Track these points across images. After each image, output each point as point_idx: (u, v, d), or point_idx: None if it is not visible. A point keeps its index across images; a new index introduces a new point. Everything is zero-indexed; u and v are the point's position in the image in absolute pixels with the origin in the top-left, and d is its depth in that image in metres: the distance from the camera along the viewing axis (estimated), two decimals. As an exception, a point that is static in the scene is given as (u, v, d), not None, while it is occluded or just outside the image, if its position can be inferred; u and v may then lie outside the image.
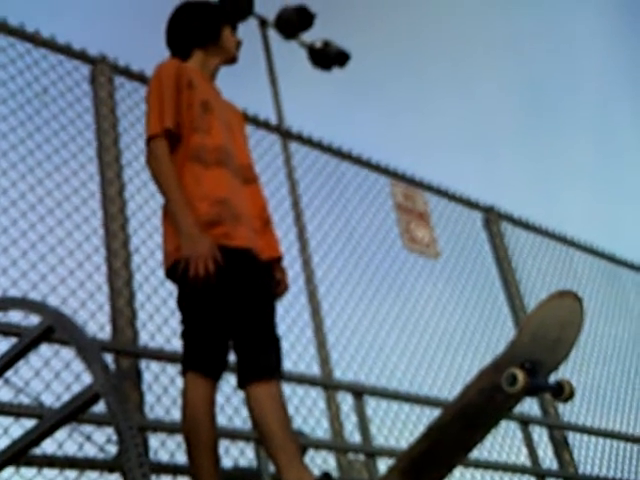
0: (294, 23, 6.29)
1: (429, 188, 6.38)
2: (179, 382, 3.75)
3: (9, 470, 2.94)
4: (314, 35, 6.53)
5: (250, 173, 2.93)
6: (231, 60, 3.02)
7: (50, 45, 4.32)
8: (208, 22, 2.96)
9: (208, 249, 2.51)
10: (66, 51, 4.37)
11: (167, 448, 3.60)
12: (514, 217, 6.94)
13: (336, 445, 4.38)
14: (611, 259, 7.71)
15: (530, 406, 5.67)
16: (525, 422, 5.28)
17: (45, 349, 3.35)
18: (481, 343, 5.83)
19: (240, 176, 2.82)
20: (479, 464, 4.99)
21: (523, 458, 5.26)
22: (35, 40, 4.26)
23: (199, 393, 2.58)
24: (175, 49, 2.98)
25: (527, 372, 2.13)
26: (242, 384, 2.52)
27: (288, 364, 4.28)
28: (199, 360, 2.63)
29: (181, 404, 2.62)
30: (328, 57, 6.48)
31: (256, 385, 2.48)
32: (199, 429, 2.54)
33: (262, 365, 2.51)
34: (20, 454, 2.50)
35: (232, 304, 2.57)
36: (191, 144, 2.72)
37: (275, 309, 2.69)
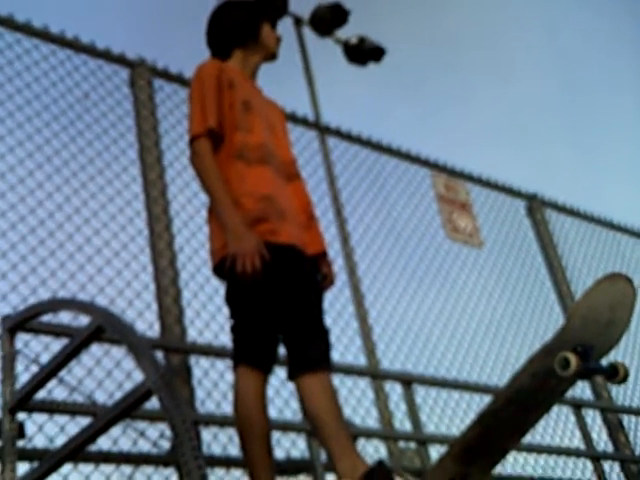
0: (329, 20, 6.29)
1: (470, 178, 6.35)
2: (228, 377, 3.80)
3: (67, 466, 2.99)
4: (350, 31, 6.53)
5: (293, 169, 2.93)
6: (271, 57, 3.02)
7: (89, 50, 4.39)
8: (247, 20, 2.97)
9: (254, 246, 2.52)
10: (105, 56, 4.44)
11: (219, 441, 3.64)
12: (558, 204, 6.87)
13: (387, 434, 4.38)
14: (659, 241, 7.59)
15: (582, 390, 5.61)
16: (578, 405, 5.21)
17: (96, 349, 3.41)
18: (529, 330, 5.79)
19: (283, 173, 2.83)
20: (533, 448, 4.95)
21: (577, 442, 5.20)
22: (75, 46, 4.33)
23: (250, 386, 2.60)
24: (215, 49, 2.99)
25: (579, 355, 2.10)
26: (292, 376, 2.53)
27: (335, 356, 4.29)
28: (249, 354, 2.64)
29: (233, 397, 2.64)
30: (364, 52, 6.46)
31: (306, 376, 2.48)
32: (251, 421, 2.56)
33: (311, 356, 2.51)
34: (77, 451, 2.54)
35: (280, 298, 2.58)
36: (234, 143, 2.73)
37: (322, 302, 2.70)
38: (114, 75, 4.45)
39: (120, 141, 4.27)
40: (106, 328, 2.54)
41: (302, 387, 2.49)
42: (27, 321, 3.09)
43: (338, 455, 2.36)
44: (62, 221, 3.78)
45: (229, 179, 2.68)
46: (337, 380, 4.16)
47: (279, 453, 3.77)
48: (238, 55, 2.95)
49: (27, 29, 4.16)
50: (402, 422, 4.46)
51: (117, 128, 4.30)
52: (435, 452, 4.21)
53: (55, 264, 3.62)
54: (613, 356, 2.33)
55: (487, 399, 4.79)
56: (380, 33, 6.58)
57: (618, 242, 7.17)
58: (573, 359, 2.08)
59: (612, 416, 5.67)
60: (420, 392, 4.65)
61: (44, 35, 4.22)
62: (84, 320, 2.79)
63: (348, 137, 5.68)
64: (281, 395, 3.97)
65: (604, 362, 2.22)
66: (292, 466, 3.79)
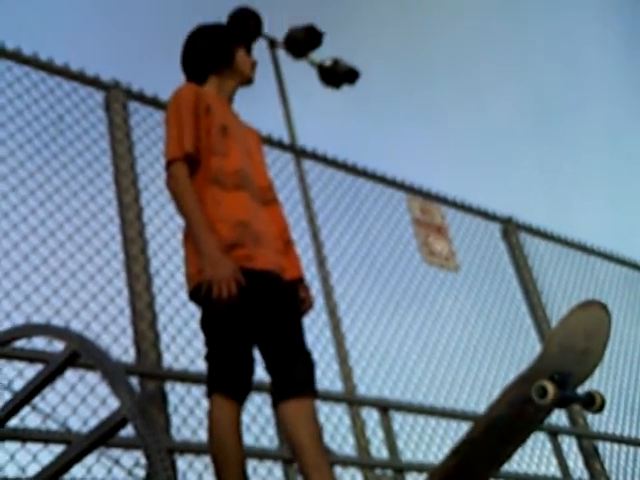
0: (303, 42, 6.31)
1: (445, 201, 6.37)
2: (205, 403, 3.74)
3: (39, 497, 2.92)
4: (323, 53, 6.56)
5: (269, 194, 2.93)
6: (247, 82, 3.02)
7: (64, 72, 4.36)
8: (220, 46, 2.96)
9: (230, 271, 2.51)
10: (80, 78, 4.41)
11: (195, 469, 3.59)
12: (532, 227, 6.91)
13: (364, 461, 4.35)
14: (633, 265, 7.66)
15: (558, 417, 5.62)
16: (554, 433, 5.23)
17: (70, 374, 3.36)
18: (505, 355, 5.79)
19: (259, 198, 2.82)
20: (509, 476, 4.95)
21: (553, 469, 5.21)
22: (49, 68, 4.30)
23: (225, 414, 2.57)
24: (191, 74, 2.99)
25: (557, 384, 2.10)
26: (275, 403, 2.52)
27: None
28: (224, 382, 2.62)
29: (207, 426, 2.61)
30: (338, 75, 6.47)
31: (289, 402, 2.46)
32: (226, 450, 2.53)
33: (295, 382, 2.49)
34: (50, 481, 2.49)
35: (258, 324, 2.56)
36: (210, 167, 2.72)
37: (302, 326, 2.69)
38: (89, 98, 4.43)
39: (95, 164, 4.25)
40: (81, 354, 2.50)
41: (284, 413, 2.47)
42: (0, 346, 3.04)
43: None
44: (37, 244, 3.75)
45: (205, 204, 2.67)
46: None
47: (256, 482, 3.73)
48: (213, 81, 2.95)
49: (-1, 51, 4.14)
50: (379, 449, 4.44)
51: (92, 151, 4.28)
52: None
53: (29, 288, 3.58)
54: (588, 381, 2.34)
55: (464, 426, 4.79)
56: (355, 55, 6.61)
57: (592, 266, 7.23)
58: (550, 388, 2.08)
59: (587, 443, 5.68)
60: (397, 419, 4.64)
61: (17, 57, 4.19)
62: (59, 346, 2.76)
63: (324, 160, 5.68)
64: (257, 422, 3.93)
65: (580, 390, 2.22)
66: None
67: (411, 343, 5.28)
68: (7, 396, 3.02)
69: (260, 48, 6.12)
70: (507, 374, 5.41)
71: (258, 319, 2.57)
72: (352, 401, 4.58)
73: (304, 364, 2.55)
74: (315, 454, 2.38)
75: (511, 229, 6.64)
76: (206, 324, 2.68)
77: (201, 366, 3.79)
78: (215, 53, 2.95)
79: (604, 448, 5.84)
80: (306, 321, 2.79)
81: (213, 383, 2.64)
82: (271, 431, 3.82)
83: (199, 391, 3.77)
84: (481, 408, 4.96)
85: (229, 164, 2.75)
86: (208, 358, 2.68)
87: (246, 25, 3.17)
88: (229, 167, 2.74)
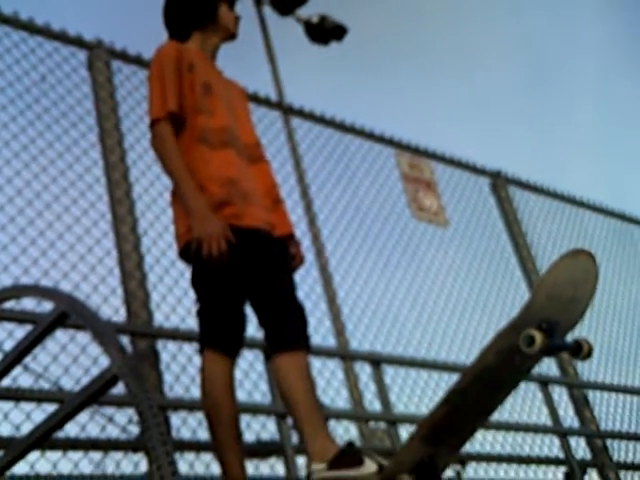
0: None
1: (434, 156, 6.36)
2: (197, 360, 3.77)
3: (35, 454, 2.96)
4: (311, 11, 6.48)
5: (256, 152, 2.91)
6: (230, 37, 2.99)
7: (45, 32, 4.29)
8: (203, 2, 2.93)
9: (220, 229, 2.51)
10: (62, 38, 4.35)
11: (189, 426, 3.62)
12: (522, 181, 6.91)
13: (357, 414, 4.40)
14: (621, 217, 7.68)
15: (549, 366, 5.68)
16: (544, 382, 5.28)
17: (61, 334, 3.37)
18: (495, 307, 5.84)
19: (247, 155, 2.81)
20: (500, 426, 5.01)
21: (544, 418, 5.27)
22: (30, 28, 4.24)
23: (217, 370, 2.59)
24: (173, 31, 2.95)
25: (544, 332, 2.11)
26: (268, 357, 2.54)
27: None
28: (216, 337, 2.63)
29: (200, 382, 2.63)
30: (325, 31, 6.40)
31: (283, 355, 2.48)
32: (219, 405, 2.55)
33: (288, 336, 2.50)
34: (44, 438, 2.51)
35: (248, 281, 2.57)
36: (196, 126, 2.71)
37: (293, 280, 2.69)
38: (71, 57, 4.37)
39: (80, 124, 4.20)
40: (70, 314, 2.51)
41: (278, 366, 2.49)
42: (-11, 308, 3.04)
43: (310, 435, 2.37)
44: (23, 206, 3.73)
45: (192, 163, 2.65)
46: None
47: (249, 436, 3.77)
48: (196, 37, 2.91)
49: (-21, 11, 4.08)
50: (372, 403, 4.48)
51: (76, 111, 4.24)
52: (405, 432, 4.25)
53: (17, 250, 3.57)
54: (578, 332, 2.35)
55: (455, 378, 4.83)
56: (342, 12, 6.54)
57: (581, 218, 7.25)
58: (538, 336, 2.09)
59: (578, 392, 5.75)
60: (389, 372, 4.68)
61: (-3, 17, 4.13)
62: (48, 306, 2.76)
63: (311, 117, 5.65)
64: (250, 378, 3.96)
65: (569, 338, 2.24)
66: (262, 449, 3.79)
67: (402, 297, 5.31)
68: (-2, 357, 3.03)
69: (246, 5, 6.05)
70: (497, 326, 5.44)
71: (249, 275, 2.57)
72: (345, 355, 4.61)
73: (297, 318, 2.57)
74: (308, 407, 2.40)
75: (500, 183, 6.64)
76: (196, 282, 2.68)
77: (192, 324, 3.81)
78: (198, 8, 2.91)
79: (594, 397, 5.92)
80: (297, 278, 2.80)
81: (205, 339, 2.65)
82: (264, 387, 3.85)
83: (190, 349, 3.79)
84: (471, 360, 4.99)
85: (215, 122, 2.73)
86: (199, 314, 2.69)
87: None
88: (215, 125, 2.72)
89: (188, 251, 2.59)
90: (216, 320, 2.64)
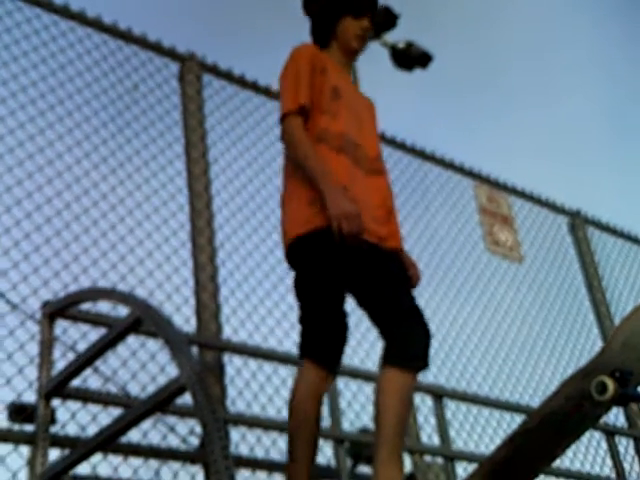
0: (378, 23, 6.27)
1: (513, 191, 6.28)
2: (260, 377, 3.80)
3: (97, 456, 3.01)
4: (398, 36, 6.50)
5: (376, 164, 2.86)
6: (353, 53, 2.97)
7: (141, 42, 4.42)
8: (323, 17, 2.93)
9: (356, 208, 2.47)
10: (156, 48, 4.47)
11: (247, 442, 3.63)
12: (601, 222, 6.77)
13: (415, 447, 4.35)
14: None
15: (616, 417, 5.52)
16: (611, 433, 5.13)
17: (132, 340, 3.43)
18: (565, 350, 5.70)
19: (364, 166, 2.77)
20: (562, 473, 4.88)
21: (607, 470, 5.12)
22: (127, 37, 4.37)
23: (310, 384, 2.54)
24: (315, 37, 2.98)
25: (617, 381, 2.06)
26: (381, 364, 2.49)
27: (369, 364, 4.27)
28: (312, 346, 2.60)
29: (290, 391, 2.59)
30: (411, 58, 6.42)
31: (391, 369, 2.42)
32: (302, 423, 2.51)
33: (395, 352, 2.44)
34: (108, 441, 2.56)
35: (361, 291, 2.53)
36: (317, 126, 2.71)
37: (412, 293, 2.61)
38: (164, 68, 4.48)
39: (167, 134, 4.30)
40: (144, 320, 2.56)
41: (383, 377, 2.43)
42: (67, 308, 3.13)
43: (382, 463, 2.32)
44: (106, 210, 3.81)
45: None
46: (368, 389, 4.14)
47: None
48: (333, 45, 2.94)
49: (81, 18, 4.21)
50: (430, 436, 4.42)
51: (164, 121, 4.33)
52: (461, 469, 4.18)
53: (97, 253, 3.65)
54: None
55: (517, 419, 4.74)
56: (428, 40, 6.54)
57: (661, 266, 7.05)
58: (611, 384, 2.05)
59: (645, 446, 5.57)
60: (450, 407, 4.61)
61: (96, 24, 4.26)
62: (122, 311, 2.82)
63: (392, 143, 5.65)
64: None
65: (642, 390, 2.18)
66: (316, 473, 3.77)
67: (469, 332, 5.24)
68: (71, 357, 3.11)
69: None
70: (565, 370, 5.32)
71: (360, 286, 2.53)
72: (407, 386, 4.56)
73: (420, 336, 2.49)
74: (393, 434, 2.33)
75: (579, 223, 6.52)
76: (300, 286, 2.65)
77: (259, 340, 3.84)
78: (319, 24, 2.95)
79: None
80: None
81: (303, 347, 2.63)
82: (325, 410, 3.84)
83: (255, 365, 3.82)
84: (536, 402, 4.90)
85: (336, 126, 2.73)
86: (300, 322, 2.67)
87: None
88: (335, 129, 2.72)
89: (311, 241, 2.55)
90: (315, 327, 2.61)
